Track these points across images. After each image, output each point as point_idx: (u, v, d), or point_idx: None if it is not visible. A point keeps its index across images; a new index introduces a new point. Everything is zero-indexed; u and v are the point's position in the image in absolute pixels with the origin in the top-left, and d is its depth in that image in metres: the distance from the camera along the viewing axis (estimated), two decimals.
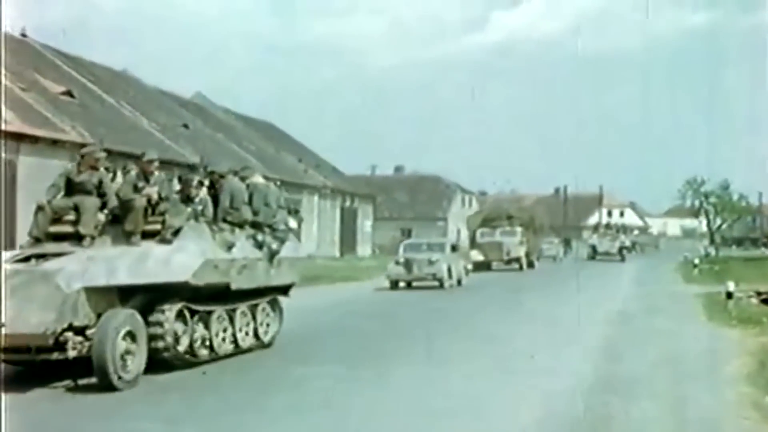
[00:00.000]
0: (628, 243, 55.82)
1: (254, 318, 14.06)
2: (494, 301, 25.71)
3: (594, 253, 53.38)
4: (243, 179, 14.51)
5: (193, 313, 12.30)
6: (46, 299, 10.68)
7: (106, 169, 12.95)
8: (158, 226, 12.26)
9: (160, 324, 11.60)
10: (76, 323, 10.81)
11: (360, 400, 10.38)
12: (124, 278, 11.41)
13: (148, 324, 11.49)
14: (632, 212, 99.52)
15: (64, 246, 11.83)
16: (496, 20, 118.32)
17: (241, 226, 13.68)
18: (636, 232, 62.28)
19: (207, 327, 12.67)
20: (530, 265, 44.32)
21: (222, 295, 12.95)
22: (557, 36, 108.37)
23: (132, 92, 41.95)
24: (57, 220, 12.22)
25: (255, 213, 14.14)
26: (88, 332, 10.85)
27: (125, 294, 11.53)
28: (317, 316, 19.35)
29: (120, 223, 12.30)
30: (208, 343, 12.68)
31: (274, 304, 14.83)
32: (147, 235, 12.17)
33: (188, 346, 12.20)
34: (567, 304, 21.92)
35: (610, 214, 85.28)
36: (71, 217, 12.20)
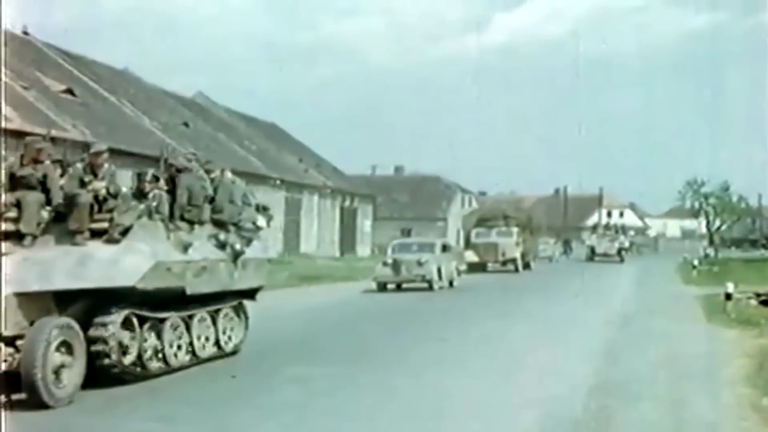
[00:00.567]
0: (627, 244, 54.93)
1: (215, 325, 12.99)
2: (485, 304, 24.21)
3: (592, 254, 52.47)
4: (208, 173, 13.49)
5: (142, 320, 11.23)
6: None
7: (56, 161, 11.85)
8: (106, 225, 11.16)
9: (102, 334, 10.52)
10: (6, 333, 9.81)
11: None
12: (60, 283, 10.38)
13: (89, 334, 10.44)
14: (632, 213, 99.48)
15: (6, 246, 10.60)
16: (498, 21, 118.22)
17: (201, 224, 12.69)
18: (632, 233, 61.30)
19: (159, 336, 11.60)
20: (526, 266, 43.32)
21: (178, 300, 11.94)
22: (559, 37, 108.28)
23: (133, 91, 41.96)
24: None
25: (218, 210, 13.16)
26: (19, 343, 9.84)
27: (63, 300, 10.45)
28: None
29: (65, 221, 11.12)
30: (160, 354, 11.62)
31: (239, 310, 13.79)
32: (95, 234, 11.09)
33: (137, 358, 11.11)
34: (564, 306, 22.00)
35: (609, 214, 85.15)
36: (12, 214, 10.97)
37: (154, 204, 11.83)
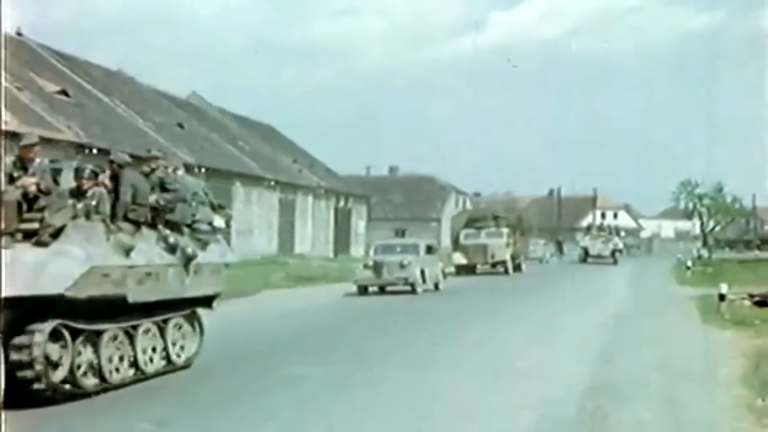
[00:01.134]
0: (621, 245, 53.69)
1: (164, 337, 11.84)
2: (470, 309, 22.55)
3: (586, 256, 51.31)
4: (153, 171, 12.20)
5: (75, 333, 10.09)
6: None
7: None
8: (36, 225, 10.07)
9: (26, 347, 9.48)
10: None
11: None
12: None
13: (10, 347, 9.47)
14: (626, 214, 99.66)
15: None
16: (494, 22, 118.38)
17: (151, 225, 11.55)
18: (623, 234, 60.46)
19: (96, 350, 10.47)
20: (517, 268, 41.89)
21: (120, 309, 10.85)
22: (555, 38, 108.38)
23: (127, 92, 41.94)
24: None
25: (169, 210, 11.95)
26: None
27: None
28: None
29: None
30: (97, 369, 10.49)
31: (193, 319, 12.62)
32: (27, 236, 10.02)
33: (69, 374, 9.99)
34: (557, 308, 22.00)
35: (604, 216, 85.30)
36: None
37: (93, 203, 10.82)
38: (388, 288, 27.40)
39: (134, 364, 11.20)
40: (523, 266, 43.20)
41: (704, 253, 62.31)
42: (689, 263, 40.60)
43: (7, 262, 9.47)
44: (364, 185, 67.74)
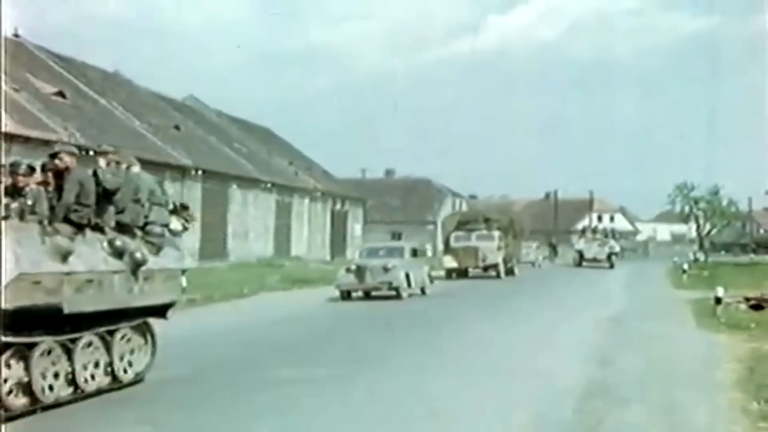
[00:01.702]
0: (617, 249, 52.01)
1: (109, 351, 10.68)
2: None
3: (581, 259, 50.08)
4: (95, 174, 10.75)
5: (4, 346, 9.15)
6: None
7: None
8: None
9: None
10: None
11: None
12: None
13: None
14: (622, 217, 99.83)
15: None
16: (491, 25, 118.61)
17: (97, 228, 10.44)
18: (618, 236, 59.37)
19: (27, 366, 9.46)
20: (509, 272, 40.50)
21: (60, 321, 9.77)
22: (551, 41, 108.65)
23: (124, 94, 41.96)
24: None
25: (119, 211, 10.85)
26: None
27: None
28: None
29: None
30: (27, 388, 9.49)
31: (144, 331, 11.47)
32: None
33: None
34: (552, 314, 21.99)
35: (600, 218, 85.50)
36: None
37: (30, 202, 9.91)
38: (374, 293, 26.24)
39: (72, 381, 10.09)
40: (516, 270, 42.06)
41: (700, 256, 62.37)
42: (685, 266, 40.57)
43: None
44: (360, 188, 67.81)
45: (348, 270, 26.57)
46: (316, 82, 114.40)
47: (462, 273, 39.06)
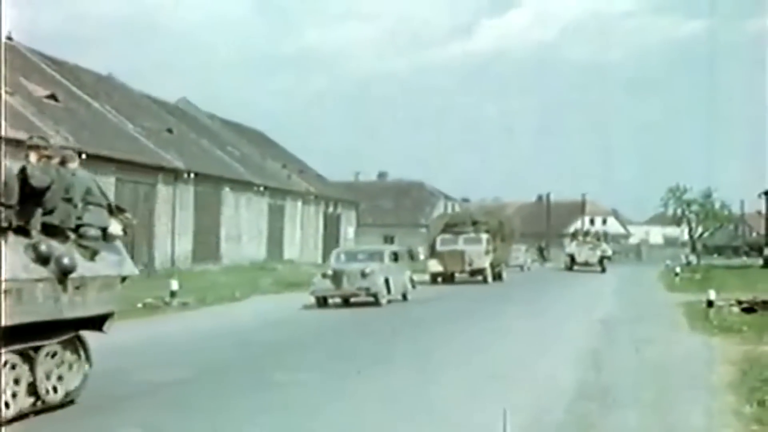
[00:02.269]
0: (609, 252, 50.98)
1: (32, 369, 9.42)
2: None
3: (572, 263, 49.11)
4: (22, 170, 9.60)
5: None
6: None
7: None
8: None
9: None
10: None
11: None
12: None
13: None
14: (614, 220, 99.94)
15: None
16: (485, 28, 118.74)
17: (21, 231, 9.31)
18: (609, 239, 58.67)
19: None
20: (497, 277, 39.07)
21: None
22: (546, 44, 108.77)
23: (117, 97, 41.92)
24: None
25: (48, 212, 9.71)
26: None
27: None
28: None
29: None
30: None
31: (76, 346, 10.14)
32: None
33: None
34: (542, 319, 21.98)
35: (592, 221, 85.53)
36: None
37: None
38: (352, 300, 25.00)
39: None
40: (504, 274, 40.42)
41: (693, 259, 62.54)
42: (678, 269, 40.61)
43: None
44: (353, 191, 67.84)
45: (324, 275, 25.21)
46: (310, 85, 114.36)
47: (448, 278, 37.71)
